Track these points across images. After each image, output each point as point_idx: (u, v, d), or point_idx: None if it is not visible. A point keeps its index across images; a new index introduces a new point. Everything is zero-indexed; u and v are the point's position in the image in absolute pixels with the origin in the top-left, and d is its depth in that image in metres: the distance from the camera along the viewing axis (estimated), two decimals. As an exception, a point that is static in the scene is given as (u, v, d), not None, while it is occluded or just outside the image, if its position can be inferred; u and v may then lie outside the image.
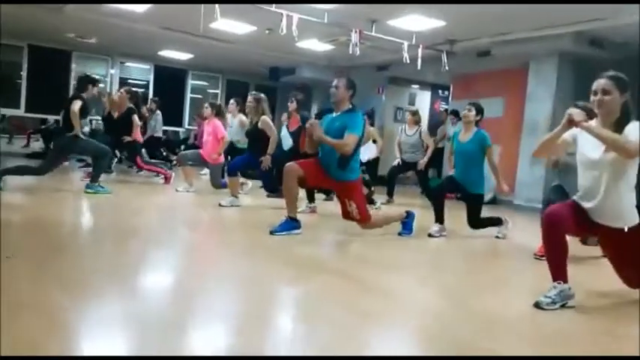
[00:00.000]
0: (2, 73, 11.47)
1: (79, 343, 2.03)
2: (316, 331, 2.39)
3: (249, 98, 6.34)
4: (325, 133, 4.52)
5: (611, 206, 2.91)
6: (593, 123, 2.88)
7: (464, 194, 5.28)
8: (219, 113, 7.50)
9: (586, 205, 2.98)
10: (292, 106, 7.28)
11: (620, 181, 2.87)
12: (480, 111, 5.17)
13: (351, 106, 4.65)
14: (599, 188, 2.90)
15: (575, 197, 3.09)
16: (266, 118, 6.19)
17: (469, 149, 5.12)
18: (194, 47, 11.05)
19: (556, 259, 2.92)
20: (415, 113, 8.10)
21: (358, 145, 4.56)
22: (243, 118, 7.49)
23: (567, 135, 3.01)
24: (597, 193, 2.92)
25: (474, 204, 5.18)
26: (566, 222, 2.90)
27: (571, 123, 2.83)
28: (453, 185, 5.34)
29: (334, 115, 4.70)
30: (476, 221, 5.21)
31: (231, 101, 7.86)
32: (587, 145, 2.94)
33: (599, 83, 2.87)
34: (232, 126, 7.65)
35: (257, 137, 6.24)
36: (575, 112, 2.84)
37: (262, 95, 6.40)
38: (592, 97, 2.89)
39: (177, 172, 8.43)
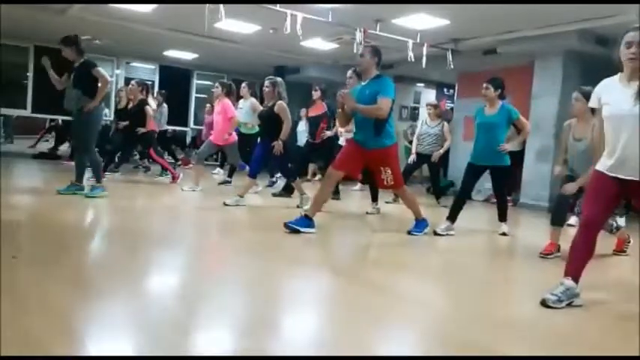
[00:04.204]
0: (8, 75, 11.52)
1: (85, 344, 2.03)
2: (323, 331, 2.40)
3: (266, 82, 6.29)
4: (357, 102, 4.59)
5: (637, 158, 2.80)
6: (616, 78, 2.89)
7: (490, 170, 5.28)
8: (229, 93, 7.38)
9: (611, 162, 2.89)
10: (316, 94, 7.39)
11: None
12: (498, 85, 5.17)
13: (378, 73, 4.72)
14: (627, 140, 2.81)
15: (598, 166, 2.98)
16: (283, 103, 6.13)
17: (494, 121, 5.12)
18: (199, 47, 11.07)
19: (581, 258, 2.94)
20: (436, 107, 8.12)
21: (391, 109, 4.64)
22: (255, 101, 7.48)
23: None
24: (624, 146, 2.82)
25: (500, 176, 5.27)
26: (601, 217, 2.93)
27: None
28: (475, 173, 5.28)
29: (363, 84, 4.77)
30: (501, 191, 5.35)
31: (243, 84, 7.87)
32: (617, 99, 2.86)
33: (635, 36, 2.79)
34: (243, 107, 7.66)
35: (271, 120, 6.15)
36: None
37: (279, 79, 6.36)
38: (624, 50, 2.82)
39: (184, 171, 8.47)
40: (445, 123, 7.87)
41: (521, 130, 5.33)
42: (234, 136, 7.31)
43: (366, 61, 4.68)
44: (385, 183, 4.79)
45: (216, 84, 7.50)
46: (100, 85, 5.64)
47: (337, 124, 6.79)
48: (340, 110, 4.80)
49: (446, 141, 7.72)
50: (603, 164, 2.95)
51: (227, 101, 7.26)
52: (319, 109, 7.44)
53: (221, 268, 3.54)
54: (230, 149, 7.42)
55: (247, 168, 6.76)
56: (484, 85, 5.23)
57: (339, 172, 4.79)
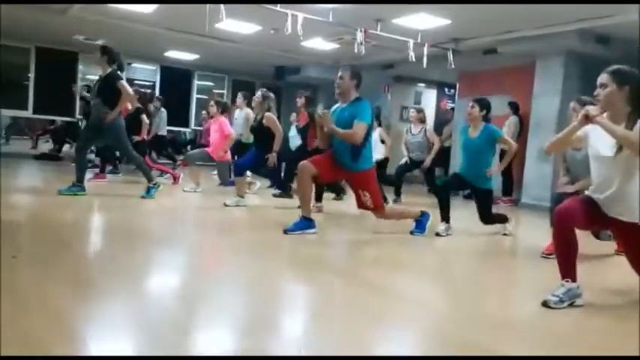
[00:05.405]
0: (10, 75, 11.54)
1: (85, 344, 2.03)
2: (322, 331, 2.40)
3: (258, 94, 6.37)
4: (335, 124, 4.53)
5: (623, 200, 2.89)
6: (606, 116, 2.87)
7: (473, 190, 5.26)
8: (225, 111, 7.51)
9: (598, 197, 2.97)
10: (300, 101, 7.29)
11: (633, 178, 2.84)
12: (484, 106, 5.09)
13: (357, 96, 4.68)
14: (612, 183, 2.89)
15: (587, 191, 3.09)
16: (270, 115, 6.18)
17: (477, 144, 5.06)
18: (200, 48, 11.08)
19: (566, 257, 2.91)
20: (420, 111, 8.03)
21: (369, 133, 4.60)
22: (250, 111, 7.52)
23: (579, 131, 3.00)
24: (609, 188, 2.90)
25: (483, 199, 5.15)
26: (577, 217, 2.88)
27: (587, 119, 2.82)
28: (459, 182, 5.31)
29: (342, 106, 4.71)
30: (487, 216, 5.17)
31: (239, 95, 7.90)
32: (601, 142, 2.91)
33: (599, 78, 2.89)
34: (238, 119, 7.67)
35: (261, 133, 6.23)
36: (591, 108, 2.84)
37: (271, 94, 6.41)
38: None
39: (184, 172, 8.47)
40: (427, 128, 7.83)
41: (508, 149, 5.21)
42: (229, 155, 7.37)
43: (345, 83, 4.63)
44: (365, 205, 4.69)
45: (212, 102, 7.61)
46: (122, 97, 5.76)
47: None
48: (320, 130, 4.73)
49: (433, 144, 7.66)
50: (593, 196, 3.02)
51: (223, 119, 7.36)
52: (303, 118, 7.32)
53: (221, 268, 3.54)
54: (222, 167, 7.44)
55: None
56: (470, 103, 5.17)
57: (311, 167, 4.54)
